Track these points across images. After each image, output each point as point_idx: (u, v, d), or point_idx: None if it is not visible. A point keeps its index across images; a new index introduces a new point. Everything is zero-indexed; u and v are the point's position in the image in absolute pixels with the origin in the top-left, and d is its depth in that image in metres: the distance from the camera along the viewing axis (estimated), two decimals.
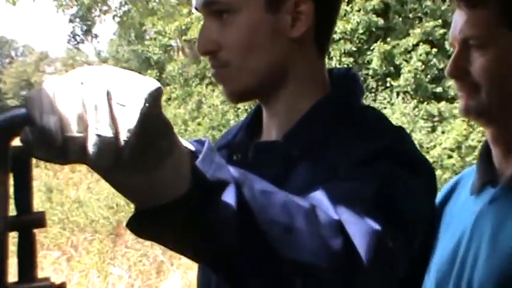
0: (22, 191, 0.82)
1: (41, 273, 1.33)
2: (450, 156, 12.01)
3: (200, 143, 0.95)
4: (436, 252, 1.39)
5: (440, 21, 13.97)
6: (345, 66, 11.14)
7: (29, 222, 0.82)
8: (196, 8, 1.24)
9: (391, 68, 14.00)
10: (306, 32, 1.19)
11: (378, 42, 13.90)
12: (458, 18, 1.42)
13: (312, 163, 1.14)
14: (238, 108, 13.76)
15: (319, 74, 1.26)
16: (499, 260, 1.34)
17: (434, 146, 12.30)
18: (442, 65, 13.25)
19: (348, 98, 1.25)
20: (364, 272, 0.93)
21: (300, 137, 1.20)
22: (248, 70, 1.18)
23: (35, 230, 0.83)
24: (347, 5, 13.94)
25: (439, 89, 13.84)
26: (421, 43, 13.90)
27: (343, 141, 1.13)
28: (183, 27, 17.28)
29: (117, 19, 21.89)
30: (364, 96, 1.34)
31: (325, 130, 1.19)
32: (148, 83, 0.71)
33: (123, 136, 0.70)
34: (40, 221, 0.83)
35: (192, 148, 0.82)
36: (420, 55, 13.67)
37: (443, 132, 12.65)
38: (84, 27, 30.42)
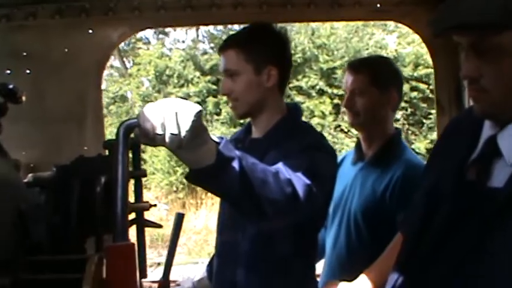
0: (135, 157, 1.64)
1: None
2: None
3: (221, 138, 1.73)
4: (334, 193, 2.44)
5: None
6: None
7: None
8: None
9: None
10: (274, 84, 2.35)
11: None
12: (348, 78, 2.79)
13: (276, 151, 2.22)
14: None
15: (281, 104, 2.42)
16: (363, 197, 2.70)
17: None
18: None
19: (295, 117, 2.43)
20: (301, 203, 1.93)
21: (270, 137, 2.35)
22: (245, 102, 2.35)
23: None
24: None
25: None
26: None
27: (291, 140, 2.24)
28: None
29: None
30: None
31: (283, 134, 2.32)
32: (195, 107, 1.49)
33: (183, 134, 1.48)
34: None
35: (217, 140, 1.62)
36: None
37: None
38: None
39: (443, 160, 1.67)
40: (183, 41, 20.36)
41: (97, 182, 1.70)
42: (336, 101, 16.77)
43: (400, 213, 2.41)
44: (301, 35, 17.52)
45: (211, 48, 18.32)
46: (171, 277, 1.93)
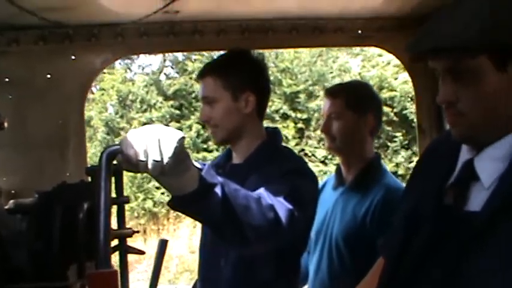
0: (118, 183, 1.64)
1: None
2: None
3: (203, 164, 1.73)
4: (315, 218, 2.46)
5: None
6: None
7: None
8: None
9: None
10: (252, 110, 2.38)
11: None
12: (326, 103, 2.86)
13: (257, 176, 2.23)
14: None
15: (260, 129, 2.45)
16: (344, 222, 2.72)
17: None
18: None
19: (275, 142, 2.46)
20: (283, 228, 1.95)
21: (251, 162, 2.37)
22: (224, 129, 2.38)
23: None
24: None
25: None
26: None
27: (272, 165, 2.26)
28: None
29: None
30: None
31: (264, 159, 2.34)
32: (178, 134, 1.49)
33: (166, 160, 1.48)
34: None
35: (199, 166, 1.63)
36: None
37: None
38: None
39: (423, 182, 1.69)
40: (150, 65, 20.37)
41: (79, 208, 1.70)
42: (299, 125, 16.87)
43: (380, 237, 2.43)
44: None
45: (177, 73, 18.39)
46: None
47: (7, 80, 2.91)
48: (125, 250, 1.68)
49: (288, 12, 3.04)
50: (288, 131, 16.30)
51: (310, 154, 16.04)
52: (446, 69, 1.49)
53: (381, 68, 17.82)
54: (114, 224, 1.67)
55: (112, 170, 1.56)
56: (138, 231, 1.80)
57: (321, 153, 15.58)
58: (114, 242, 1.66)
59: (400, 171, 15.54)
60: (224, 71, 2.36)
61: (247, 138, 2.39)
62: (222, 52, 2.61)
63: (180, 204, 1.66)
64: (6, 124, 1.91)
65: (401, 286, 1.57)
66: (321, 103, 17.83)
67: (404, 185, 2.11)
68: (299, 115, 16.91)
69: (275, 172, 2.16)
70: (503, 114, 1.47)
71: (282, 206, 1.94)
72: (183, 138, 1.54)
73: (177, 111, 17.02)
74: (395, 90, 17.09)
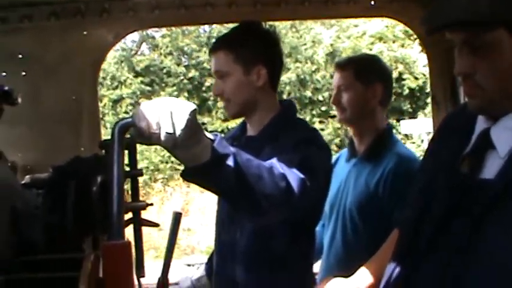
0: (131, 157, 1.65)
1: None
2: None
3: (215, 135, 1.74)
4: (330, 190, 2.48)
5: None
6: None
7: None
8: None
9: None
10: (264, 83, 2.37)
11: None
12: (335, 76, 2.88)
13: (271, 147, 2.25)
14: None
15: (274, 101, 2.44)
16: (357, 192, 2.74)
17: None
18: None
19: (289, 114, 2.45)
20: (296, 197, 1.95)
21: (265, 134, 2.37)
22: (237, 102, 2.37)
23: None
24: None
25: None
26: None
27: (285, 136, 2.27)
28: None
29: None
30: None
31: (278, 130, 2.35)
32: (190, 106, 1.49)
33: (178, 132, 1.49)
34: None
35: (212, 137, 1.64)
36: None
37: None
38: None
39: (438, 155, 1.70)
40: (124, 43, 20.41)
41: (93, 182, 1.71)
42: None
43: (395, 210, 2.44)
44: None
45: (148, 49, 18.36)
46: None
47: (20, 56, 2.92)
48: (138, 223, 1.69)
49: None
50: None
51: None
52: (463, 41, 1.49)
53: (354, 38, 17.63)
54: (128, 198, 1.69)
55: (125, 143, 1.57)
56: (152, 204, 1.81)
57: None
58: (128, 215, 1.67)
59: None
60: (235, 44, 2.35)
61: (261, 111, 2.39)
62: (233, 25, 2.60)
63: (193, 175, 1.68)
64: (20, 100, 1.92)
65: (417, 257, 1.57)
66: (292, 76, 17.86)
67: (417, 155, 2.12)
68: None
69: (288, 143, 2.17)
70: None
71: (294, 175, 1.95)
72: (195, 110, 1.54)
73: (148, 88, 16.99)
74: None
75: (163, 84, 17.43)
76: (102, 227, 1.63)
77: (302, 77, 18.29)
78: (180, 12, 3.02)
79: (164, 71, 17.26)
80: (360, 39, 18.08)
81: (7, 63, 2.92)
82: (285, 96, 16.38)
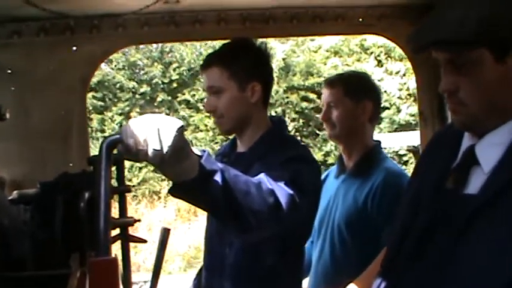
0: (119, 173, 1.65)
1: None
2: None
3: (203, 151, 1.75)
4: (319, 206, 2.49)
5: None
6: None
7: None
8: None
9: None
10: (258, 99, 2.39)
11: None
12: (325, 92, 2.92)
13: (260, 163, 2.25)
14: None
15: (265, 118, 2.45)
16: (345, 207, 2.75)
17: None
18: None
19: (279, 131, 2.46)
20: (284, 213, 1.96)
21: (255, 150, 2.38)
22: (230, 118, 2.37)
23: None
24: None
25: None
26: None
27: (275, 153, 2.27)
28: None
29: None
30: None
31: (268, 147, 2.35)
32: (177, 122, 1.50)
33: (165, 149, 1.50)
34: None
35: (199, 153, 1.64)
36: None
37: None
38: None
39: (426, 172, 1.73)
40: None
41: (81, 198, 1.71)
42: None
43: (384, 227, 2.47)
44: (186, 47, 17.53)
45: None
46: None
47: (9, 71, 2.92)
48: (126, 239, 1.69)
49: (288, 1, 3.04)
50: (210, 119, 16.29)
51: None
52: (447, 59, 1.53)
53: (309, 53, 17.60)
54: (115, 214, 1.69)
55: (113, 160, 1.58)
56: (139, 220, 1.81)
57: None
58: (116, 231, 1.67)
59: (330, 160, 15.55)
60: (229, 60, 2.36)
61: (253, 127, 2.41)
62: (223, 42, 2.61)
63: (181, 191, 1.69)
64: (8, 115, 1.92)
65: (401, 270, 1.59)
66: None
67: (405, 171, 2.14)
68: None
69: (278, 160, 2.18)
70: (503, 104, 1.52)
71: (282, 191, 1.96)
72: (183, 127, 1.55)
73: (100, 103, 16.99)
74: (323, 77, 17.01)
75: (115, 100, 17.43)
76: (89, 243, 1.63)
77: None
78: (170, 29, 3.03)
79: (117, 86, 17.26)
80: (315, 54, 18.12)
81: None
82: None
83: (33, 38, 2.93)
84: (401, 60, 18.61)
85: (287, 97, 17.46)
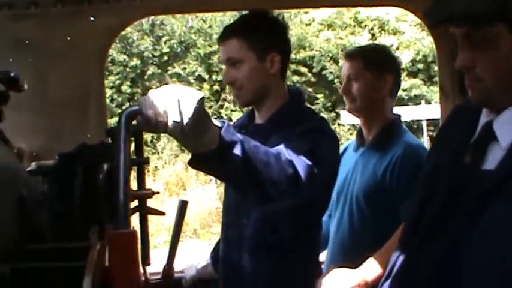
0: (138, 144, 1.64)
1: None
2: None
3: (223, 122, 1.73)
4: (337, 178, 2.51)
5: None
6: None
7: None
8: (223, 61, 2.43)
9: None
10: (277, 70, 2.38)
11: None
12: (345, 65, 2.87)
13: (278, 135, 2.24)
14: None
15: (284, 89, 2.44)
16: (364, 180, 2.73)
17: None
18: None
19: (297, 102, 2.45)
20: (303, 184, 1.95)
21: (273, 122, 2.38)
22: (250, 90, 2.36)
23: None
24: None
25: None
26: None
27: (293, 124, 2.26)
28: None
29: None
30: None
31: (286, 119, 2.34)
32: (197, 94, 1.48)
33: (185, 121, 1.48)
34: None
35: (219, 125, 1.62)
36: None
37: None
38: None
39: (443, 146, 1.72)
40: None
41: (100, 169, 1.70)
42: (215, 87, 16.65)
43: (403, 200, 2.45)
44: (177, 21, 17.41)
45: None
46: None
47: (27, 42, 2.91)
48: (144, 211, 1.68)
49: None
50: (205, 92, 16.20)
51: (226, 117, 15.87)
52: (464, 35, 1.51)
53: (299, 25, 17.35)
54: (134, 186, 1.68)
55: (132, 131, 1.56)
56: (158, 192, 1.80)
57: (238, 115, 15.56)
58: (134, 203, 1.66)
59: None
60: (248, 32, 2.34)
61: (272, 99, 2.39)
62: (241, 12, 2.59)
63: (201, 162, 1.68)
64: (26, 86, 1.90)
65: (419, 244, 1.59)
66: None
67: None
68: (214, 77, 16.74)
69: (296, 131, 2.17)
70: None
71: (301, 162, 1.95)
72: (203, 98, 1.54)
73: None
74: (315, 50, 16.75)
75: (106, 73, 17.48)
76: (108, 215, 1.63)
77: None
78: (187, 0, 3.00)
79: (108, 59, 17.28)
80: (307, 27, 17.97)
81: (13, 50, 2.91)
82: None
83: (50, 8, 2.91)
84: (395, 34, 18.44)
85: None
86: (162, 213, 1.91)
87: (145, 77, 17.88)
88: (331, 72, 16.70)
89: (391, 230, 2.13)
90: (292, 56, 17.46)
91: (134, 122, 1.55)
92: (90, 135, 2.86)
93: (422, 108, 15.45)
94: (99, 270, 1.30)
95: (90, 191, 1.66)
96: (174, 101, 1.50)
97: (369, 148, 2.84)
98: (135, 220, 1.55)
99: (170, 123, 1.50)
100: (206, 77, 16.69)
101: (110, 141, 1.81)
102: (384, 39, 17.69)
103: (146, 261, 1.56)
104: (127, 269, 1.32)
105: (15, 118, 1.92)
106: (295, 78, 17.04)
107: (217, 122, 1.67)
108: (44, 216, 1.60)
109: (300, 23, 18.10)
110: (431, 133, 15.06)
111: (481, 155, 1.55)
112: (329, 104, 16.85)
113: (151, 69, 17.60)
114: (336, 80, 16.47)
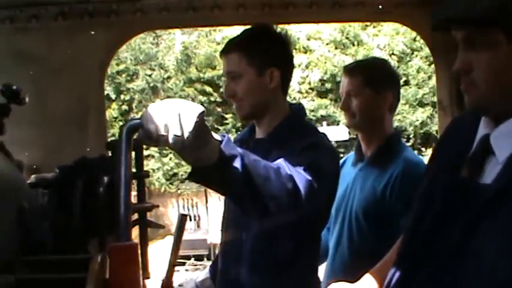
0: (138, 158, 1.65)
1: None
2: None
3: (223, 135, 1.74)
4: (336, 193, 2.50)
5: None
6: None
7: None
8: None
9: None
10: (276, 85, 2.38)
11: None
12: (344, 81, 2.86)
13: (279, 149, 2.24)
14: None
15: (284, 104, 2.46)
16: (363, 196, 2.73)
17: None
18: None
19: (298, 117, 2.46)
20: (302, 199, 1.97)
21: (274, 137, 2.38)
22: (249, 104, 2.37)
23: None
24: None
25: None
26: None
27: (294, 139, 2.27)
28: None
29: None
30: None
31: (287, 134, 2.35)
32: (198, 108, 1.50)
33: (186, 135, 1.49)
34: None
35: (219, 138, 1.65)
36: None
37: None
38: None
39: (441, 159, 1.72)
40: None
41: (100, 182, 1.71)
42: (124, 107, 16.84)
43: (403, 216, 2.45)
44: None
45: None
46: None
47: (28, 56, 2.93)
48: (144, 224, 1.69)
49: None
50: (112, 112, 16.33)
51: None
52: (463, 39, 1.52)
53: (206, 44, 17.33)
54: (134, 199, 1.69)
55: (132, 145, 1.57)
56: (158, 206, 1.81)
57: None
58: (134, 217, 1.67)
59: None
60: (249, 46, 2.36)
61: (272, 114, 2.40)
62: (241, 28, 2.61)
63: (200, 176, 1.69)
64: (27, 100, 1.92)
65: (415, 259, 1.58)
66: (141, 83, 17.48)
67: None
68: (122, 96, 16.94)
69: (297, 146, 2.18)
70: None
71: (301, 177, 1.97)
72: (203, 112, 1.55)
73: None
74: (221, 69, 16.70)
75: None
76: (108, 228, 1.64)
77: (152, 84, 18.11)
78: (188, 14, 3.03)
79: None
80: (218, 45, 17.91)
81: (14, 63, 2.93)
82: (135, 105, 16.61)
83: (52, 22, 2.94)
84: (305, 52, 18.26)
85: (183, 90, 17.28)
86: (162, 227, 1.92)
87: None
88: None
89: (390, 246, 2.13)
90: (200, 75, 17.18)
91: (135, 136, 1.57)
92: (89, 149, 2.88)
93: (330, 130, 14.60)
94: (100, 282, 1.31)
95: (90, 204, 1.67)
96: (175, 115, 1.52)
97: (368, 164, 2.83)
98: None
99: (171, 137, 1.52)
100: (113, 96, 16.84)
101: (109, 154, 1.83)
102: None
103: (145, 274, 1.57)
104: (128, 281, 1.33)
105: (15, 131, 1.93)
106: (202, 98, 17.00)
107: (217, 136, 1.69)
108: (44, 228, 1.61)
109: (211, 41, 17.91)
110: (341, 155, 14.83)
111: (478, 169, 1.54)
112: (239, 125, 16.64)
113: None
114: None
